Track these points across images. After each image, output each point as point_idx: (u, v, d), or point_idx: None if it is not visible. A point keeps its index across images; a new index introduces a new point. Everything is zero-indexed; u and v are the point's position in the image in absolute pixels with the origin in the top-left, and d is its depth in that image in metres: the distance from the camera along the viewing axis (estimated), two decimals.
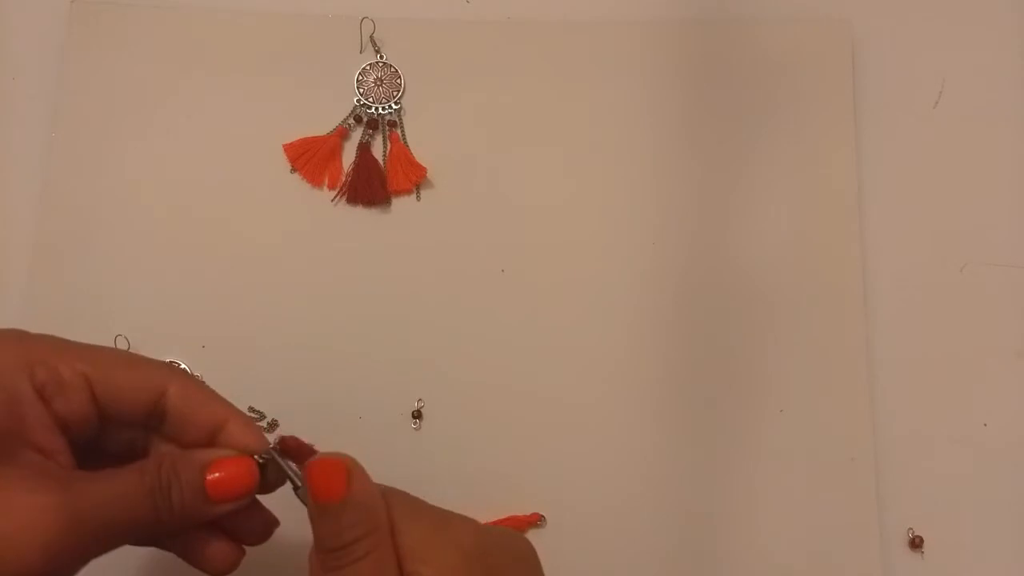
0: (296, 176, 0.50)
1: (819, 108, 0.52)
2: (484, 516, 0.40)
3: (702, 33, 0.53)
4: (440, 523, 0.32)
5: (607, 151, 0.51)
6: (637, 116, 0.51)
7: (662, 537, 0.46)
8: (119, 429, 0.34)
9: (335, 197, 0.50)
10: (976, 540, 0.47)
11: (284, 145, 0.50)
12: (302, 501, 0.32)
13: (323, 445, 0.35)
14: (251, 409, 0.47)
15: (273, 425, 0.47)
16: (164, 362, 0.34)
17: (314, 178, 0.50)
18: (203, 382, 0.35)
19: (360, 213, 0.50)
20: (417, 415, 0.47)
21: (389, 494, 0.32)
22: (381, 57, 0.52)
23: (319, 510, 0.31)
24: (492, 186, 0.50)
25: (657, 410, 0.48)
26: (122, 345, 0.47)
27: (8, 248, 0.49)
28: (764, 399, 0.48)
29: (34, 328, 0.47)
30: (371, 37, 0.52)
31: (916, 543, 0.47)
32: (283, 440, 0.34)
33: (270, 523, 0.35)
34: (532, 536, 0.42)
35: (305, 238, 0.49)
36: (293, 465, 0.34)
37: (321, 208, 0.50)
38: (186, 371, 0.35)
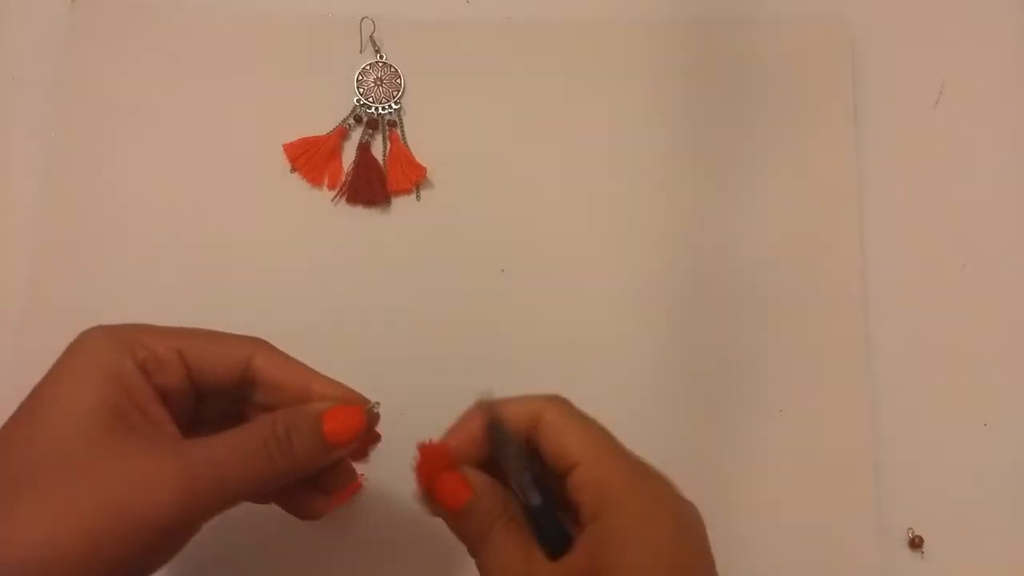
0: (296, 176, 0.50)
1: (819, 108, 0.52)
2: None
3: (702, 33, 0.53)
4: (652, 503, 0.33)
5: (607, 151, 0.51)
6: (637, 116, 0.51)
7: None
8: (215, 399, 0.36)
9: (335, 197, 0.50)
10: (976, 540, 0.47)
11: (284, 145, 0.50)
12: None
13: None
14: None
15: None
16: (247, 336, 0.36)
17: (314, 178, 0.50)
18: (284, 352, 0.37)
19: (360, 213, 0.50)
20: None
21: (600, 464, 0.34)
22: (381, 57, 0.52)
23: (451, 517, 0.34)
24: (492, 186, 0.50)
25: (657, 409, 0.48)
26: None
27: (9, 248, 0.49)
28: (764, 399, 0.48)
29: (34, 328, 0.47)
30: (371, 37, 0.52)
31: (916, 543, 0.47)
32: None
33: (353, 474, 0.38)
34: None
35: (305, 238, 0.49)
36: None
37: (321, 208, 0.50)
38: (268, 342, 0.36)
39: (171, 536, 0.32)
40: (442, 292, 0.49)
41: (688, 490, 0.47)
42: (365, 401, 0.36)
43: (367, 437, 0.37)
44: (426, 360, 0.48)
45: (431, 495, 0.34)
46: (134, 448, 0.31)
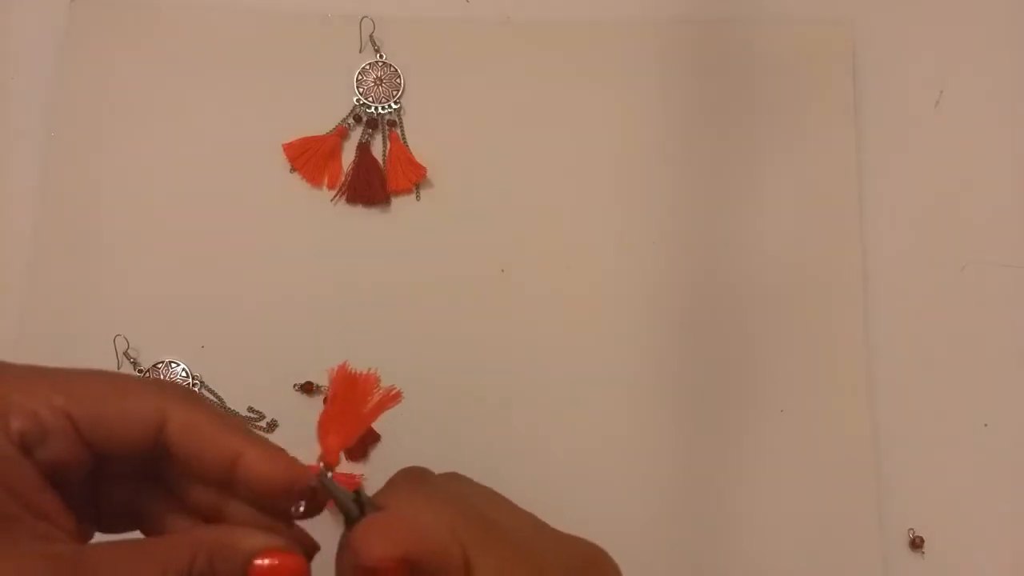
0: (296, 176, 0.50)
1: (820, 109, 0.52)
2: None
3: (703, 34, 0.53)
4: (520, 554, 0.29)
5: (607, 150, 0.51)
6: (637, 116, 0.51)
7: (662, 536, 0.46)
8: (122, 475, 0.29)
9: (335, 197, 0.50)
10: (977, 540, 0.47)
11: (284, 145, 0.50)
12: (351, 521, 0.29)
13: None
14: (250, 409, 0.47)
15: (272, 425, 0.47)
16: (161, 384, 0.29)
17: (314, 178, 0.50)
18: (208, 403, 0.30)
19: (360, 213, 0.50)
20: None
21: (462, 519, 0.28)
22: (381, 56, 0.52)
23: None
24: (492, 186, 0.50)
25: (657, 409, 0.48)
26: (121, 345, 0.47)
27: (8, 248, 0.49)
28: (765, 399, 0.48)
29: (33, 328, 0.47)
30: (371, 36, 0.52)
31: (917, 543, 0.47)
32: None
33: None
34: None
35: (305, 238, 0.49)
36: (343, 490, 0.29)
37: (321, 208, 0.50)
38: (188, 392, 0.29)
39: None
40: (442, 292, 0.49)
41: (688, 490, 0.47)
42: (303, 470, 0.29)
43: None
44: (426, 360, 0.48)
45: None
46: (12, 560, 0.24)
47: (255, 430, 0.38)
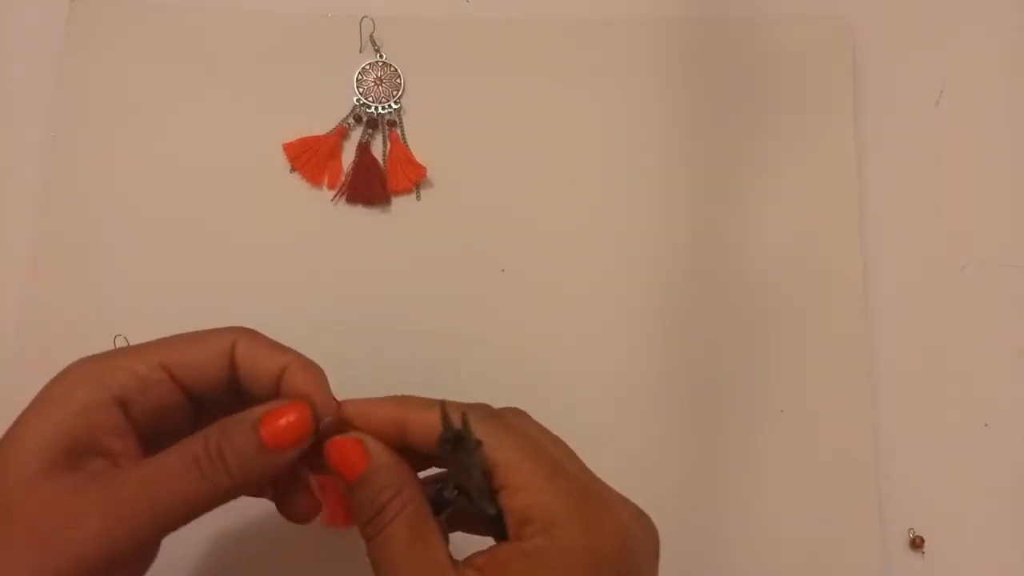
0: (296, 176, 0.50)
1: (819, 108, 0.51)
2: None
3: (702, 33, 0.53)
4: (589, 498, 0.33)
5: (606, 150, 0.51)
6: (637, 115, 0.51)
7: (662, 536, 0.46)
8: (223, 403, 0.34)
9: (335, 197, 0.50)
10: (977, 540, 0.47)
11: (284, 144, 0.50)
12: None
13: None
14: None
15: None
16: (230, 327, 0.35)
17: (314, 178, 0.50)
18: (265, 336, 0.35)
19: (360, 213, 0.50)
20: None
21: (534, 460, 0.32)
22: (381, 56, 0.52)
23: (350, 488, 0.32)
24: (492, 186, 0.50)
25: (657, 410, 0.48)
26: (121, 345, 0.47)
27: (8, 248, 0.49)
28: (764, 399, 0.48)
29: (33, 328, 0.47)
30: (371, 36, 0.52)
31: (917, 543, 0.46)
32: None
33: (314, 499, 0.36)
34: None
35: (304, 238, 0.49)
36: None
37: (321, 208, 0.50)
38: (248, 329, 0.35)
39: (112, 569, 0.31)
40: (442, 292, 0.49)
41: (688, 490, 0.47)
42: (329, 398, 0.34)
43: (341, 448, 0.33)
44: (426, 360, 0.48)
45: (327, 458, 0.32)
46: (65, 488, 0.31)
47: None
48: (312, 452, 0.33)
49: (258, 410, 0.33)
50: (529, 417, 0.35)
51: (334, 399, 0.34)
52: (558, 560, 0.30)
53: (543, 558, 0.30)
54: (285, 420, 0.32)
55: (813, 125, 0.51)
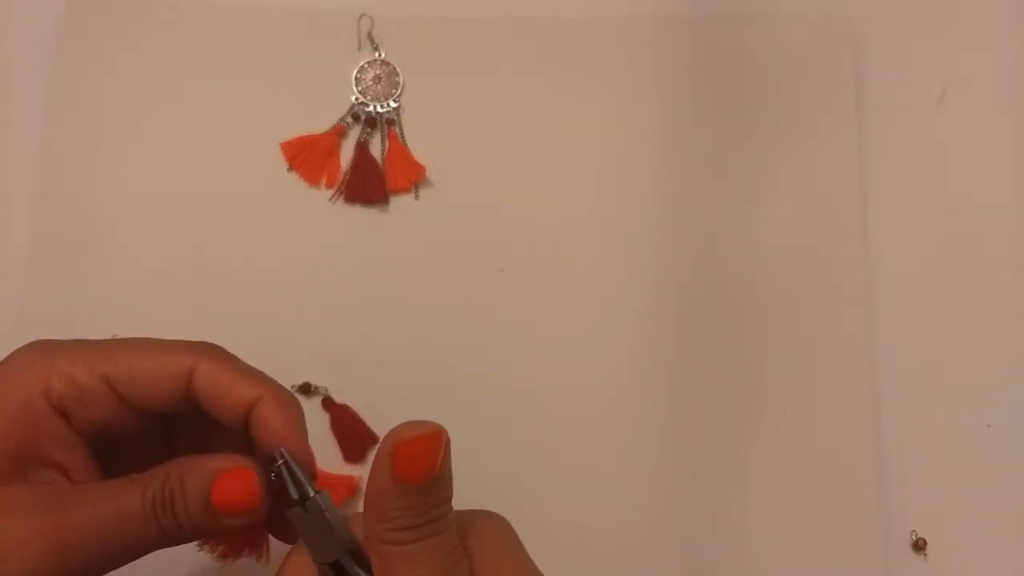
0: (293, 175, 0.50)
1: (822, 106, 0.51)
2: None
3: (704, 31, 0.52)
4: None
5: (607, 149, 0.51)
6: (638, 114, 0.51)
7: (664, 537, 0.46)
8: (195, 430, 0.33)
9: (333, 196, 0.50)
10: (980, 542, 0.47)
11: (281, 143, 0.50)
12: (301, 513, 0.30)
13: None
14: None
15: None
16: (191, 342, 0.32)
17: (312, 177, 0.50)
18: (233, 357, 0.32)
19: (358, 212, 0.50)
20: None
21: None
22: (379, 54, 0.51)
23: (408, 489, 0.27)
24: (492, 185, 0.50)
25: (659, 410, 0.47)
26: None
27: (6, 248, 0.49)
28: (767, 400, 0.48)
29: (33, 327, 0.47)
30: (369, 34, 0.51)
31: (919, 545, 0.46)
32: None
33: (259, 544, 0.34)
34: (534, 536, 0.41)
35: (303, 237, 0.49)
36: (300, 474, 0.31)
37: (319, 207, 0.50)
38: (214, 348, 0.32)
39: None
40: (441, 292, 0.49)
41: (690, 491, 0.47)
42: (306, 444, 0.31)
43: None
44: (425, 360, 0.48)
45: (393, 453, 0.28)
46: (11, 507, 0.29)
47: None
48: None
49: (217, 463, 0.30)
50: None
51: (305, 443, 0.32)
52: None
53: None
54: (239, 487, 0.30)
55: (815, 124, 0.51)
